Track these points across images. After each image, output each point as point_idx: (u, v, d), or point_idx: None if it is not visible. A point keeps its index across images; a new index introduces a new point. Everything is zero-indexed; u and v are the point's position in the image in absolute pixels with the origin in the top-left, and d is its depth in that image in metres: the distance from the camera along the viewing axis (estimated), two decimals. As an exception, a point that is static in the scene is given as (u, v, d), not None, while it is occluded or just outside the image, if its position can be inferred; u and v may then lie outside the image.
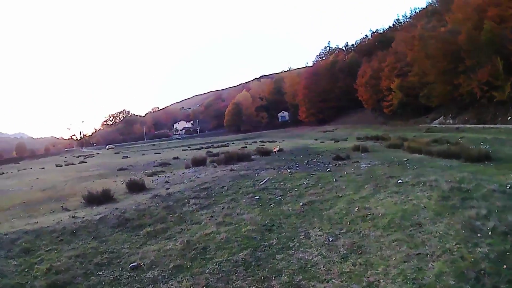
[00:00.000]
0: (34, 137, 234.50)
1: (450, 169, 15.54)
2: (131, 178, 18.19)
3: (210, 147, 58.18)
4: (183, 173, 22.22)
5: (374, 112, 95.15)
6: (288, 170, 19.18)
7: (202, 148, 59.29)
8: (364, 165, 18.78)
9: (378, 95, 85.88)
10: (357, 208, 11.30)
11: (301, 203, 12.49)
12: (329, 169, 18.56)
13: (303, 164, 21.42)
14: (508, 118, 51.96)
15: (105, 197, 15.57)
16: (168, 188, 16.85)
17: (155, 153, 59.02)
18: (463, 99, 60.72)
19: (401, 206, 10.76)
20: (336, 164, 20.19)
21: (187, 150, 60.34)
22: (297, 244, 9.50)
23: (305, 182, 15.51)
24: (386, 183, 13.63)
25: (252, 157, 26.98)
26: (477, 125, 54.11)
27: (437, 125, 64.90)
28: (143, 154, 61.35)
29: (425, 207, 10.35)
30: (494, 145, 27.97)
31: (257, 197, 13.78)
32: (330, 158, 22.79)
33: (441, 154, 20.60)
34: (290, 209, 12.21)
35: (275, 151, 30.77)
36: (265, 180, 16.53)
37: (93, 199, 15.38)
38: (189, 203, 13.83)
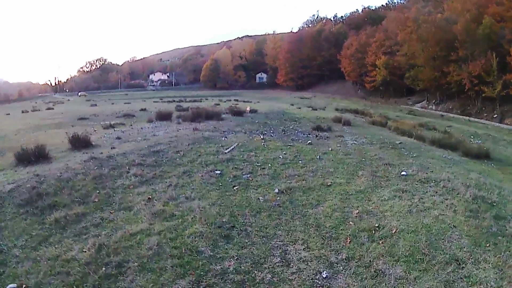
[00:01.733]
0: (10, 82, 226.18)
1: (455, 165, 13.39)
2: (75, 133, 14.85)
3: (182, 101, 57.04)
4: (141, 128, 19.47)
5: (355, 86, 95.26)
6: (261, 137, 16.37)
7: (174, 101, 57.89)
8: (350, 142, 16.39)
9: (362, 69, 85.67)
10: (356, 211, 8.05)
11: (276, 190, 9.24)
12: (310, 141, 15.72)
13: (278, 131, 18.98)
14: (495, 116, 51.95)
15: (39, 155, 12.30)
16: (114, 148, 13.55)
17: (125, 103, 56.80)
18: (450, 87, 60.12)
19: (419, 218, 7.63)
20: (317, 136, 17.67)
21: (158, 102, 58.49)
22: (268, 276, 5.88)
23: (281, 156, 12.51)
24: (385, 173, 10.79)
25: (223, 116, 24.60)
26: (462, 116, 54.08)
27: (419, 109, 64.89)
28: (112, 103, 58.84)
29: (454, 226, 7.31)
30: (486, 142, 26.70)
31: (218, 171, 10.50)
32: (309, 128, 20.62)
33: (435, 143, 18.68)
34: (260, 198, 8.84)
35: (247, 111, 28.94)
36: (232, 147, 13.45)
37: (24, 158, 12.06)
38: (128, 172, 10.50)
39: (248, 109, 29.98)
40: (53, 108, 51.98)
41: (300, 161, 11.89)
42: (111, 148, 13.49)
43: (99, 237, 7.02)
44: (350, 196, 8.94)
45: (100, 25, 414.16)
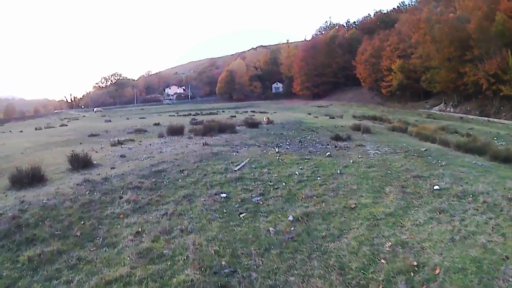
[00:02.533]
0: (26, 99, 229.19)
1: (487, 172, 11.69)
2: (73, 152, 13.70)
3: (198, 114, 56.72)
4: (150, 144, 18.40)
5: (371, 92, 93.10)
6: (276, 150, 15.16)
7: (190, 114, 57.48)
8: (372, 152, 15.07)
9: (377, 74, 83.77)
10: (389, 244, 6.43)
11: (291, 217, 7.74)
12: (328, 152, 14.41)
13: (295, 142, 17.79)
14: None
15: (32, 178, 11.07)
16: (114, 167, 12.37)
17: (140, 118, 56.24)
18: (467, 88, 58.50)
19: (465, 249, 6.01)
20: (336, 147, 16.43)
21: (173, 116, 57.52)
22: None
23: (297, 172, 11.17)
24: (416, 188, 9.42)
25: (237, 128, 23.73)
26: (481, 117, 52.63)
27: (437, 112, 63.47)
28: (127, 118, 58.19)
29: (506, 257, 5.66)
30: (510, 143, 25.01)
31: (224, 194, 9.14)
32: (327, 137, 19.71)
33: (460, 147, 17.16)
34: (271, 229, 7.29)
35: (265, 121, 28.36)
36: (242, 164, 12.21)
37: (17, 180, 10.83)
38: (121, 198, 9.17)
39: (265, 119, 29.33)
40: (66, 125, 51.61)
41: (318, 178, 10.56)
42: (111, 168, 12.32)
43: (70, 284, 5.69)
44: (378, 221, 7.44)
45: (115, 40, 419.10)
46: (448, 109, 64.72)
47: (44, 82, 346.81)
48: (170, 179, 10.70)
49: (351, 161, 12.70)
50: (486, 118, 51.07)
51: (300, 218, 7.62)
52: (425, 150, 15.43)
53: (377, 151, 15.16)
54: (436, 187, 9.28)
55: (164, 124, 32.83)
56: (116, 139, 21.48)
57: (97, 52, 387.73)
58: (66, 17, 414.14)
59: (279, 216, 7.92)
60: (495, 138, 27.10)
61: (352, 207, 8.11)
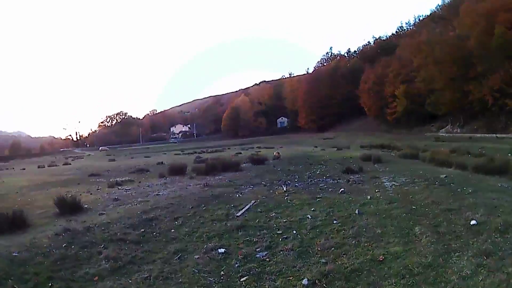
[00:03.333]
0: (32, 136, 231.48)
1: None
2: (60, 195, 12.46)
3: (203, 152, 55.65)
4: (148, 186, 17.39)
5: (376, 120, 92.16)
6: (284, 188, 13.90)
7: (195, 153, 56.12)
8: (388, 183, 13.85)
9: (382, 102, 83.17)
10: None
11: (305, 281, 5.84)
12: (342, 188, 13.01)
13: (304, 178, 16.69)
14: None
15: (14, 223, 9.78)
16: (103, 213, 11.06)
17: (145, 157, 55.61)
18: (472, 107, 58.20)
19: None
20: (349, 181, 15.10)
21: (179, 154, 56.72)
22: None
23: (309, 215, 9.68)
24: (450, 225, 7.97)
25: (243, 165, 23.50)
26: (488, 135, 51.26)
27: (444, 134, 62.20)
28: (131, 158, 57.03)
29: None
30: None
31: (223, 250, 7.41)
32: (337, 171, 18.75)
33: (479, 169, 15.86)
34: None
35: (276, 156, 29.22)
36: (246, 208, 10.87)
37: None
38: (101, 253, 7.50)
39: (276, 154, 29.87)
40: (70, 164, 50.77)
41: (334, 221, 9.01)
42: (99, 214, 11.05)
43: None
44: (416, 277, 5.63)
45: (122, 79, 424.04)
46: (455, 130, 63.75)
47: (51, 120, 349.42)
48: (161, 229, 9.31)
49: (368, 197, 11.35)
50: (495, 135, 49.55)
51: (317, 281, 5.78)
52: (445, 176, 14.29)
53: (394, 182, 13.95)
54: (472, 222, 7.87)
55: (168, 163, 31.50)
56: (115, 179, 20.49)
57: (104, 90, 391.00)
58: (74, 55, 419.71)
59: (290, 278, 6.07)
60: (509, 155, 25.43)
61: (381, 259, 6.42)
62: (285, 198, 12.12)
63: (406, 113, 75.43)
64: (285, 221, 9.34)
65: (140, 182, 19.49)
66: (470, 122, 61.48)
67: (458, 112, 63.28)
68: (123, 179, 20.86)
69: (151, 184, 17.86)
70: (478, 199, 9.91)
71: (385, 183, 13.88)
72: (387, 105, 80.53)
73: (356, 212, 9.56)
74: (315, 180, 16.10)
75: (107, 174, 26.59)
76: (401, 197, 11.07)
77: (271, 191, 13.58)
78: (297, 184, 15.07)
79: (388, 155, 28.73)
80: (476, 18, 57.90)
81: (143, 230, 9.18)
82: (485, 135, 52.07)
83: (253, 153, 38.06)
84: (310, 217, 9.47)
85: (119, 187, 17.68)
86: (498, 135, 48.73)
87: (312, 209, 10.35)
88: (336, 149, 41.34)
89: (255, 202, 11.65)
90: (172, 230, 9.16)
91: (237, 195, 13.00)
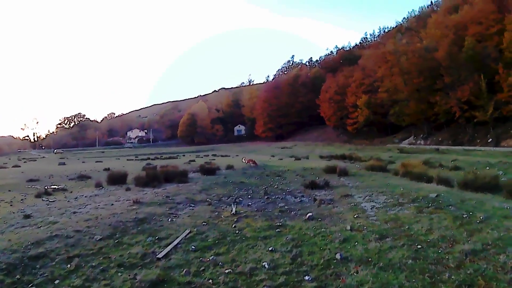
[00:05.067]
0: None
1: None
2: None
3: (157, 159, 55.47)
4: (76, 198, 14.45)
5: (336, 130, 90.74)
6: (233, 210, 10.80)
7: (149, 159, 55.95)
8: (368, 205, 11.15)
9: (343, 111, 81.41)
10: None
11: None
12: (309, 213, 9.98)
13: (259, 195, 13.96)
14: (489, 140, 48.68)
15: None
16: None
17: (96, 161, 53.12)
18: (438, 118, 57.29)
19: None
20: (315, 200, 12.26)
21: (131, 160, 55.64)
22: None
23: (266, 262, 6.42)
24: (489, 283, 5.16)
25: (191, 175, 21.27)
26: (454, 147, 50.37)
27: (407, 146, 61.19)
28: (83, 162, 54.27)
29: None
30: (509, 171, 21.86)
31: None
32: (299, 184, 16.70)
33: (468, 186, 13.66)
34: None
35: (246, 162, 28.16)
36: (175, 243, 7.64)
37: None
38: None
39: (246, 161, 29.19)
40: (20, 166, 46.82)
41: (306, 277, 5.76)
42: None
43: None
44: None
45: (80, 79, 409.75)
46: (418, 141, 62.65)
47: (10, 119, 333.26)
48: (43, 275, 6.02)
49: (348, 227, 8.35)
50: (461, 147, 48.46)
51: None
52: (436, 196, 11.46)
53: (373, 203, 11.21)
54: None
55: (115, 168, 29.05)
56: (45, 188, 17.49)
57: (62, 89, 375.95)
58: (35, 53, 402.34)
59: None
60: (487, 168, 23.90)
61: None
62: (233, 226, 9.06)
63: (368, 123, 74.12)
64: (227, 273, 6.05)
65: (71, 192, 16.65)
66: (435, 133, 60.57)
67: (422, 123, 62.46)
68: (58, 186, 18.74)
69: (79, 196, 14.92)
70: (500, 232, 7.37)
71: (363, 204, 11.12)
72: (348, 115, 78.88)
73: (338, 256, 6.40)
74: (273, 197, 13.36)
75: (47, 180, 24.02)
76: (393, 227, 8.22)
77: (216, 213, 10.56)
78: (250, 203, 12.20)
79: (353, 167, 26.60)
80: (445, 30, 57.70)
81: (18, 277, 5.92)
82: (451, 147, 51.14)
83: (206, 161, 36.07)
84: (267, 264, 6.29)
85: (45, 198, 14.90)
86: (465, 148, 47.71)
87: (269, 248, 7.21)
88: (294, 158, 39.78)
89: (190, 232, 8.52)
90: (57, 281, 5.87)
91: (170, 219, 9.85)
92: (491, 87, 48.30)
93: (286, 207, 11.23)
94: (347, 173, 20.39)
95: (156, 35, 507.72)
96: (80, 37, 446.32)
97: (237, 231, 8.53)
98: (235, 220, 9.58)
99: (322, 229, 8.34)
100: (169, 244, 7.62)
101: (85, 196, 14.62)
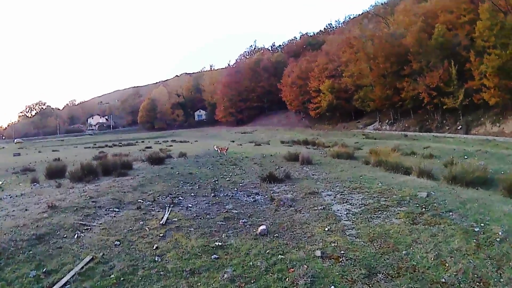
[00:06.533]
0: None
1: None
2: None
3: (115, 146, 53.84)
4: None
5: (298, 115, 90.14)
6: (166, 216, 8.29)
7: (106, 146, 54.04)
8: (340, 208, 8.73)
9: (305, 96, 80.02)
10: None
11: None
12: (262, 225, 7.38)
13: (206, 191, 11.62)
14: (459, 128, 48.06)
15: None
16: None
17: (53, 150, 49.73)
18: (404, 104, 56.34)
19: None
20: (272, 199, 9.87)
21: (89, 148, 52.87)
22: None
23: None
24: None
25: (137, 165, 18.55)
26: (423, 133, 50.19)
27: (372, 131, 60.73)
28: (39, 152, 49.58)
29: None
30: (490, 162, 19.73)
31: None
32: (255, 175, 14.51)
33: (457, 180, 11.71)
34: None
35: (220, 151, 25.83)
36: (60, 285, 5.00)
37: None
38: None
39: (219, 149, 26.36)
40: None
41: None
42: None
43: None
44: None
45: (40, 65, 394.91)
46: (383, 127, 61.79)
47: None
48: None
49: (317, 252, 5.79)
50: (431, 134, 48.05)
51: None
52: (427, 196, 9.04)
53: (348, 206, 8.83)
54: None
55: (67, 158, 27.99)
56: None
57: (24, 77, 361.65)
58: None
59: None
60: (465, 157, 22.33)
61: None
62: (154, 247, 6.43)
63: (331, 108, 72.53)
64: None
65: (3, 190, 13.91)
66: (401, 119, 59.73)
67: (388, 109, 61.46)
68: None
69: (3, 197, 12.04)
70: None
71: (335, 208, 8.65)
72: (311, 100, 77.01)
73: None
74: (222, 194, 10.95)
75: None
76: (384, 252, 5.75)
77: (142, 222, 7.94)
78: (191, 204, 9.69)
79: (317, 153, 24.61)
80: (413, 17, 57.17)
81: None
82: (419, 133, 50.49)
83: (161, 148, 34.58)
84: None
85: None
86: (434, 134, 47.19)
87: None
88: (254, 144, 38.38)
89: (92, 259, 5.90)
90: None
91: (76, 236, 7.11)
92: (461, 75, 47.56)
93: (234, 211, 8.79)
94: (311, 162, 18.22)
95: (117, 19, 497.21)
96: (40, 23, 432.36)
97: (156, 258, 5.93)
98: (162, 235, 7.01)
99: (279, 256, 5.77)
100: (55, 284, 5.01)
101: (10, 197, 11.83)
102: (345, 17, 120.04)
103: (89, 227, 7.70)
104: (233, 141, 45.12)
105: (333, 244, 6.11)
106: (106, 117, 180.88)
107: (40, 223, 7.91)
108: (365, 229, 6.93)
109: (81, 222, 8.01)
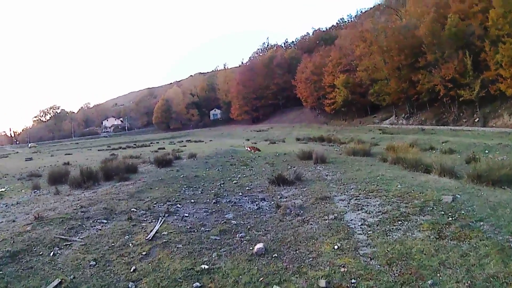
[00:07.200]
0: None
1: None
2: None
3: (129, 147, 53.99)
4: None
5: (313, 111, 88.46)
6: (153, 231, 7.40)
7: (120, 148, 53.89)
8: (354, 217, 7.73)
9: (320, 92, 78.17)
10: None
11: None
12: (259, 244, 6.36)
13: (207, 198, 10.69)
14: (476, 120, 46.27)
15: None
16: None
17: (66, 154, 48.84)
18: (420, 97, 54.58)
19: None
20: (278, 206, 8.90)
21: (102, 150, 52.50)
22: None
23: None
24: None
25: (143, 168, 18.55)
26: (440, 127, 48.61)
27: (388, 126, 59.08)
28: (51, 156, 49.31)
29: None
30: None
31: None
32: (265, 177, 13.54)
33: (481, 179, 10.44)
34: None
35: (249, 149, 26.17)
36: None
37: None
38: None
39: (249, 148, 27.26)
40: None
41: None
42: None
43: None
44: None
45: (54, 70, 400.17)
46: (400, 121, 60.24)
47: None
48: None
49: (322, 282, 4.68)
50: (448, 127, 46.65)
51: None
52: (453, 200, 7.89)
53: (364, 214, 7.81)
54: None
55: (78, 162, 27.85)
56: None
57: (37, 83, 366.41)
58: (11, 47, 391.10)
59: None
60: (486, 152, 21.50)
61: None
62: (132, 269, 5.52)
63: (347, 103, 70.76)
64: None
65: (1, 198, 13.37)
66: (417, 113, 58.11)
67: (404, 102, 59.98)
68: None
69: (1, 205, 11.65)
70: None
71: (347, 217, 7.62)
72: (326, 96, 75.35)
73: None
74: (224, 200, 10.08)
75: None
76: (404, 281, 4.61)
77: (128, 236, 7.07)
78: (188, 213, 8.82)
79: (332, 150, 24.24)
80: (425, 8, 55.48)
81: None
82: (436, 127, 49.06)
83: (174, 148, 34.20)
84: None
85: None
86: (451, 128, 45.84)
87: None
88: (269, 142, 38.15)
89: (60, 282, 5.10)
90: None
91: (52, 253, 6.35)
92: (477, 65, 45.86)
93: (233, 221, 7.88)
94: (325, 160, 17.09)
95: (130, 22, 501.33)
96: (54, 29, 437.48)
97: (129, 285, 5.04)
98: (145, 253, 6.13)
99: (274, 286, 4.72)
100: None
101: (5, 206, 11.43)
102: (357, 11, 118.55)
103: (70, 243, 6.85)
104: (248, 140, 44.67)
105: (342, 269, 5.04)
106: (121, 119, 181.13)
107: (20, 237, 7.18)
108: (383, 246, 5.80)
109: (62, 237, 7.21)
